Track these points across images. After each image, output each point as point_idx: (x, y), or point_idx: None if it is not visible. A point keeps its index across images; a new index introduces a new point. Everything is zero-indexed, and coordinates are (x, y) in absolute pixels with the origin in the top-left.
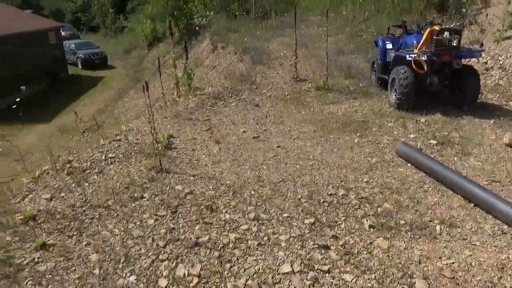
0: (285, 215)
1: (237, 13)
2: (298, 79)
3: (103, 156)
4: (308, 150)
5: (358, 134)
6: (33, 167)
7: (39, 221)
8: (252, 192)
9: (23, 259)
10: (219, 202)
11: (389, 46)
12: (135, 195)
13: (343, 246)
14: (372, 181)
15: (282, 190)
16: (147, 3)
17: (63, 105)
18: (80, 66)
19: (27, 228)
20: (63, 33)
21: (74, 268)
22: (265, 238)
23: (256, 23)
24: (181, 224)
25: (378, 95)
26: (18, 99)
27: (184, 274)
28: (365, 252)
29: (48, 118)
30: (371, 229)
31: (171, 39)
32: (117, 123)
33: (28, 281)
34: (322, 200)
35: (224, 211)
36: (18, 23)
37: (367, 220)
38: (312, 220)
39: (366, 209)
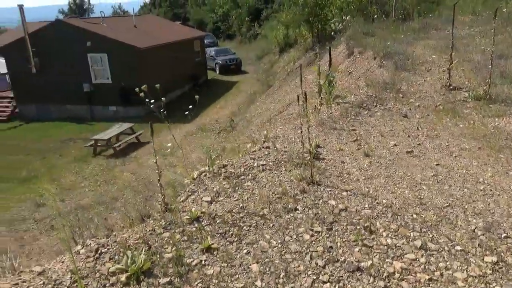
0: (458, 248)
1: (375, 16)
2: (451, 87)
3: (255, 163)
4: (475, 171)
5: None
6: (177, 162)
7: (203, 223)
8: (414, 215)
9: (191, 260)
10: (377, 223)
11: None
12: (289, 206)
13: None
14: None
15: (450, 217)
16: (281, 10)
17: (203, 107)
18: (217, 71)
19: (193, 228)
20: (205, 41)
21: (237, 276)
22: (437, 273)
23: (396, 25)
24: (338, 243)
25: None
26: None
27: None
28: None
29: (190, 118)
30: None
31: (317, 46)
32: (248, 126)
33: (198, 283)
34: (504, 235)
35: (384, 234)
36: (172, 34)
37: None
38: (494, 259)
39: None
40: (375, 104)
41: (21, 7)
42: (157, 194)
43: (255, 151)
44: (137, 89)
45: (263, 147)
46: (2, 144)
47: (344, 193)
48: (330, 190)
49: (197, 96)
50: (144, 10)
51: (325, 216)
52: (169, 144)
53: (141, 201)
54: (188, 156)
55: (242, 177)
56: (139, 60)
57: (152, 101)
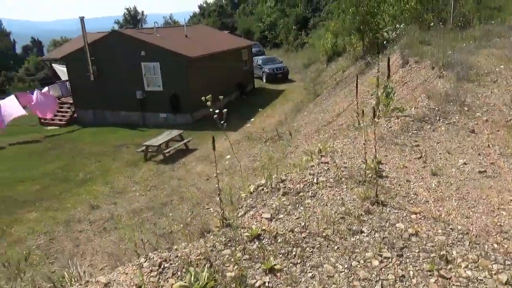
0: None
1: (432, 24)
2: None
3: (315, 179)
4: None
5: None
6: (224, 170)
7: (264, 242)
8: (495, 245)
9: (255, 280)
10: (453, 252)
11: None
12: (353, 228)
13: None
14: None
15: None
16: (330, 19)
17: (249, 115)
18: (264, 80)
19: (254, 247)
20: (252, 50)
21: None
22: None
23: (455, 33)
24: (411, 272)
25: None
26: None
27: None
28: None
29: (236, 127)
30: None
31: (368, 55)
32: (296, 135)
33: None
34: None
35: (463, 265)
36: (221, 43)
37: None
38: None
39: None
40: (438, 118)
41: (82, 18)
42: (212, 204)
43: (313, 166)
44: (203, 98)
45: (321, 162)
46: (61, 146)
47: (413, 216)
48: (397, 212)
49: (225, 110)
50: (193, 20)
51: (394, 241)
52: (228, 157)
53: (189, 208)
54: (236, 164)
55: (302, 193)
56: (189, 69)
57: (215, 110)
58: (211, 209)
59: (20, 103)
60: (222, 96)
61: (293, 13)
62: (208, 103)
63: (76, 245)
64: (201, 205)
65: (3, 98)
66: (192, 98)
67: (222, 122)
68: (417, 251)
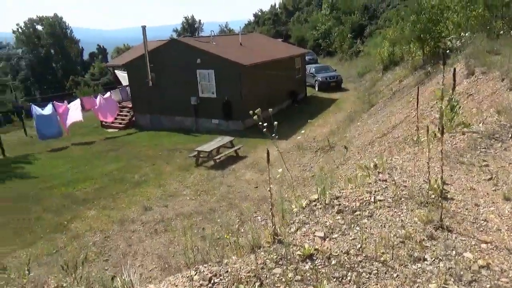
0: None
1: (501, 32)
2: None
3: (372, 198)
4: None
5: None
6: (273, 179)
7: (317, 262)
8: None
9: None
10: None
11: None
12: (415, 254)
13: None
14: None
15: None
16: (387, 27)
17: (300, 124)
18: (316, 88)
19: (306, 267)
20: (306, 58)
21: None
22: None
23: None
24: None
25: None
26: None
27: None
28: None
29: (287, 135)
30: None
31: (428, 64)
32: (349, 146)
33: None
34: None
35: None
36: (274, 51)
37: None
38: None
39: None
40: (510, 136)
41: (144, 28)
42: (260, 212)
43: (370, 183)
44: (251, 112)
45: (379, 180)
46: (120, 149)
47: (483, 246)
48: (465, 240)
49: (275, 123)
50: (248, 28)
51: (461, 273)
52: (280, 170)
53: (236, 215)
54: (285, 174)
55: (358, 212)
56: (242, 77)
57: (257, 109)
58: (259, 217)
59: (84, 106)
60: (271, 109)
61: (349, 21)
62: (255, 117)
63: (128, 245)
64: (249, 212)
65: (70, 101)
66: (244, 105)
67: (273, 135)
68: (488, 286)
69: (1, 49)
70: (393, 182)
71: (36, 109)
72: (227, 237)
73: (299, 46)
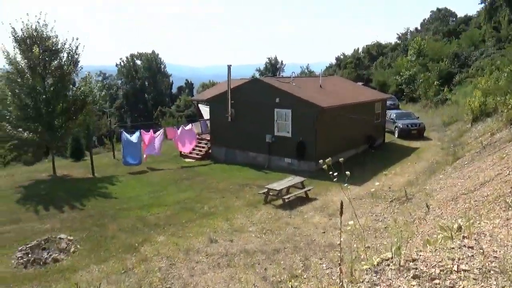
0: None
1: None
2: None
3: (455, 266)
4: None
5: None
6: (339, 224)
7: None
8: None
9: None
10: None
11: None
12: None
13: None
14: None
15: None
16: (480, 75)
17: (376, 170)
18: (396, 135)
19: None
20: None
21: None
22: None
23: None
24: None
25: None
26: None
27: None
28: None
29: (360, 181)
30: None
31: None
32: (428, 200)
33: None
34: None
35: None
36: (354, 95)
37: None
38: None
39: None
40: None
41: (229, 67)
42: (325, 259)
43: (453, 248)
44: (320, 161)
45: (464, 245)
46: (194, 178)
47: None
48: None
49: (347, 172)
50: (329, 71)
51: None
52: (351, 222)
53: (300, 259)
54: (355, 222)
55: (437, 281)
56: (319, 118)
57: (328, 159)
58: (324, 265)
59: (167, 135)
60: (346, 151)
61: (436, 68)
62: (325, 167)
63: (191, 275)
64: (314, 258)
65: (156, 130)
66: (319, 147)
67: (345, 184)
68: None
69: (105, 80)
70: (481, 250)
71: (126, 136)
72: (290, 282)
73: (380, 90)
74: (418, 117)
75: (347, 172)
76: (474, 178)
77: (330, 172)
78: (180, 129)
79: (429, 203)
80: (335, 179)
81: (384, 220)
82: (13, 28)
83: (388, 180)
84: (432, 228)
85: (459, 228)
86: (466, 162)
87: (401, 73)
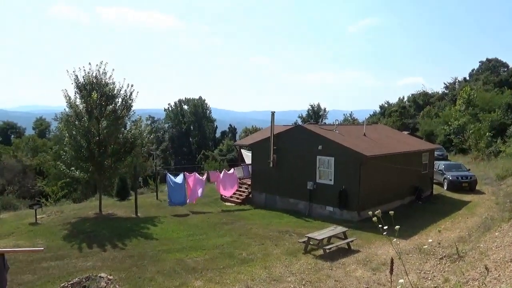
0: None
1: None
2: None
3: None
4: None
5: None
6: (384, 280)
7: None
8: None
9: None
10: None
11: None
12: None
13: None
14: None
15: None
16: None
17: (423, 224)
18: (445, 187)
19: None
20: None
21: None
22: None
23: None
24: None
25: None
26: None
27: None
28: None
29: (407, 235)
30: None
31: None
32: (482, 259)
33: None
34: None
35: None
36: (399, 144)
37: None
38: None
39: None
40: None
41: (272, 113)
42: None
43: None
44: (370, 213)
45: None
46: (233, 223)
47: None
48: None
49: (397, 227)
50: (373, 119)
51: None
52: (401, 280)
53: None
54: (403, 278)
55: None
56: (362, 167)
57: (377, 211)
58: None
59: (210, 178)
60: (391, 203)
61: (488, 118)
62: (374, 219)
63: None
64: None
65: (199, 173)
66: (362, 196)
67: (394, 239)
68: None
69: (154, 123)
70: None
71: (170, 178)
72: None
73: (427, 140)
74: (469, 169)
75: (397, 227)
76: None
77: (380, 225)
78: (223, 172)
79: (485, 263)
80: (384, 233)
81: (433, 279)
82: (76, 75)
83: (437, 235)
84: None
85: None
86: None
87: (449, 123)
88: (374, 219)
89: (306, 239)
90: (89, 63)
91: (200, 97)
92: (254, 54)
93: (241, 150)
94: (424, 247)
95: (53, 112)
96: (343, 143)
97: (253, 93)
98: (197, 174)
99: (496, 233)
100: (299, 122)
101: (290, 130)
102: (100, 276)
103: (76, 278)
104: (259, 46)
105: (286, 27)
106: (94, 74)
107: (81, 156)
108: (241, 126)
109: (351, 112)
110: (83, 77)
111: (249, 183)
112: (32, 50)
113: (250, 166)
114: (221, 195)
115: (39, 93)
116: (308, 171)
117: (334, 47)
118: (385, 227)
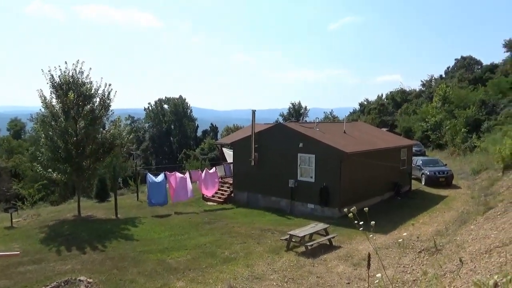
0: None
1: None
2: None
3: None
4: None
5: None
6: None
7: None
8: None
9: None
10: None
11: None
12: None
13: None
14: None
15: None
16: (509, 123)
17: (402, 219)
18: (423, 182)
19: None
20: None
21: None
22: None
23: None
24: None
25: None
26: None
27: None
28: None
29: (386, 230)
30: None
31: None
32: (459, 251)
33: None
34: None
35: None
36: (378, 141)
37: None
38: None
39: None
40: None
41: (253, 112)
42: None
43: None
44: (345, 209)
45: None
46: (215, 222)
47: None
48: None
49: (373, 222)
50: (353, 116)
51: None
52: (378, 275)
53: None
54: (381, 272)
55: None
56: (343, 164)
57: (353, 208)
58: None
59: (192, 178)
60: (370, 199)
61: (463, 114)
62: (350, 215)
63: None
64: None
65: (183, 173)
66: (342, 193)
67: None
68: None
69: (133, 123)
70: None
71: (150, 177)
72: None
73: (405, 137)
74: (445, 164)
75: (372, 222)
76: (509, 230)
77: (356, 221)
78: (204, 171)
79: (461, 256)
80: (360, 228)
81: (412, 272)
82: (51, 75)
83: (416, 229)
84: (466, 283)
85: (495, 285)
86: (499, 213)
87: (426, 120)
88: (350, 215)
89: (288, 236)
90: (65, 62)
91: (181, 96)
92: (235, 52)
93: (223, 148)
94: (399, 240)
95: (29, 112)
96: (323, 141)
97: (234, 91)
98: (178, 173)
99: (472, 226)
100: (281, 120)
101: (271, 128)
102: (79, 280)
103: (55, 282)
104: (240, 45)
105: (267, 25)
106: (70, 74)
107: (58, 157)
108: (223, 124)
109: (332, 110)
110: (59, 76)
111: (231, 182)
112: (4, 48)
113: (231, 165)
114: (203, 195)
115: (13, 93)
116: (290, 169)
117: (315, 45)
118: (361, 223)
